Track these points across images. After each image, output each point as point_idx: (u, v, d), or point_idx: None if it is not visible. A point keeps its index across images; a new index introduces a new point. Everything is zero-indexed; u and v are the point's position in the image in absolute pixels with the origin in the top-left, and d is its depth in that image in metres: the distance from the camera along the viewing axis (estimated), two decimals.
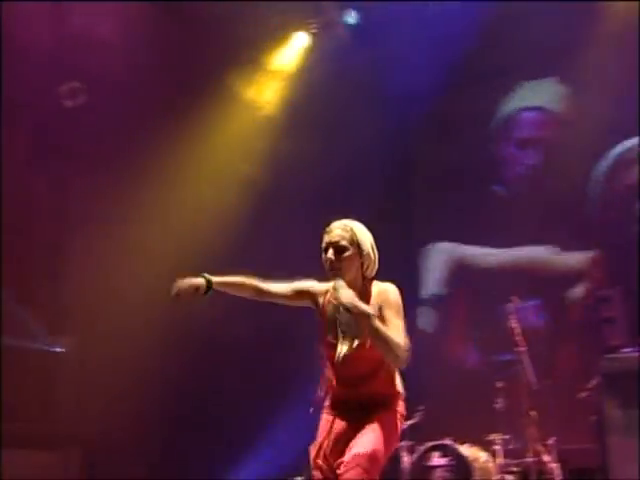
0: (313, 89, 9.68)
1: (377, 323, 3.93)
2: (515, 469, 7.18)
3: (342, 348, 4.13)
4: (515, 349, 7.13)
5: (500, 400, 7.24)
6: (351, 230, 4.22)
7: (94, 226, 10.08)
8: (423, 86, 9.43)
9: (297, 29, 9.98)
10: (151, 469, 9.57)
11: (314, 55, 9.95)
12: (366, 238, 4.22)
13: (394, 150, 10.06)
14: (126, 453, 9.72)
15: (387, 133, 9.95)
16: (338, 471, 4.10)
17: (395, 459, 7.68)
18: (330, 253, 4.14)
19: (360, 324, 3.99)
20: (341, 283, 4.06)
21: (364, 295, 4.12)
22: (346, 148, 9.55)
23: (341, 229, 4.21)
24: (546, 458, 7.03)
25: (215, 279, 4.24)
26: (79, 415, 9.85)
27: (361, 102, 9.80)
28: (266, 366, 9.88)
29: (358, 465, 4.00)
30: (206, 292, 4.24)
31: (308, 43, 9.93)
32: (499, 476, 7.13)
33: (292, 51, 9.99)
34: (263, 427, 9.31)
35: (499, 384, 7.27)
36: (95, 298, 9.89)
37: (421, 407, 7.59)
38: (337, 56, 9.68)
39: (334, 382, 4.30)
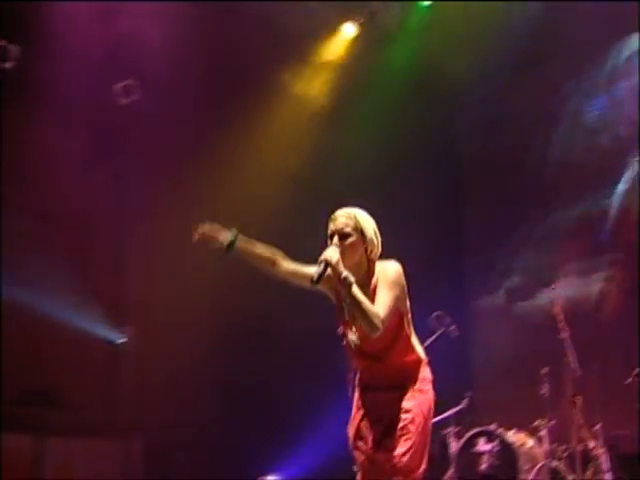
0: (360, 81, 9.77)
1: (353, 288, 4.12)
2: (561, 455, 7.20)
3: (354, 327, 4.35)
4: (559, 335, 7.15)
5: (546, 386, 7.25)
6: (354, 217, 4.41)
7: (154, 220, 10.37)
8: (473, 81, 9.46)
9: (344, 20, 10.07)
10: (211, 455, 9.82)
11: (361, 46, 10.03)
12: (369, 224, 4.42)
13: (440, 143, 10.07)
14: (186, 440, 10.01)
15: (434, 126, 9.99)
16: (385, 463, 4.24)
17: (443, 445, 7.81)
18: (335, 240, 4.33)
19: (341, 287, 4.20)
20: (334, 247, 4.25)
21: (368, 276, 4.35)
22: (393, 141, 9.61)
23: (345, 217, 4.41)
24: (592, 444, 7.04)
25: (241, 241, 4.37)
26: (140, 404, 10.17)
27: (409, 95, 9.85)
28: (318, 356, 10.03)
29: (403, 472, 4.18)
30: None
31: (355, 34, 9.99)
32: (545, 462, 7.16)
33: (340, 43, 10.06)
34: (316, 415, 9.46)
35: (544, 370, 7.28)
36: (156, 290, 10.18)
37: (468, 393, 7.68)
38: (383, 47, 9.73)
39: (357, 361, 4.45)
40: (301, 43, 10.04)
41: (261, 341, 10.30)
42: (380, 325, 4.12)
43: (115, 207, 10.71)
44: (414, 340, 4.44)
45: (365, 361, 4.42)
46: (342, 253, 4.31)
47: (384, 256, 4.48)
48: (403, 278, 4.33)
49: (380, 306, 4.17)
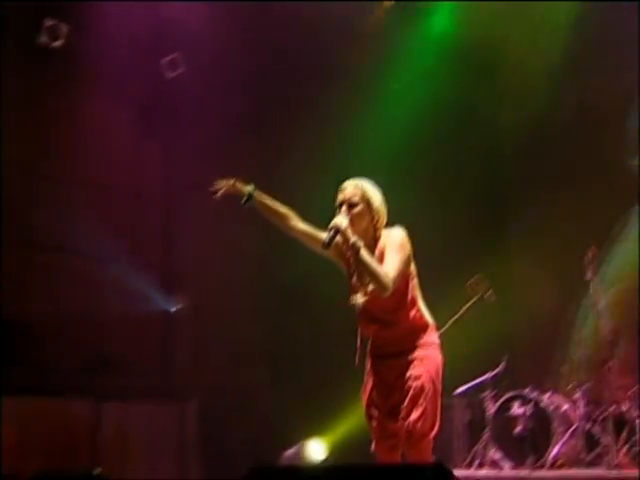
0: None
1: (362, 251, 4.35)
2: (596, 417, 7.27)
3: (361, 290, 4.54)
4: (592, 300, 7.19)
5: (580, 350, 7.30)
6: (362, 187, 4.61)
7: (202, 189, 10.60)
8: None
9: None
10: (262, 420, 10.07)
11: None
12: (375, 194, 4.62)
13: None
14: (239, 405, 10.28)
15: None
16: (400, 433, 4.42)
17: (480, 409, 7.93)
18: (344, 209, 4.53)
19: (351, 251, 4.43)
20: (343, 215, 4.48)
21: (374, 243, 4.54)
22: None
23: (353, 187, 4.61)
24: (625, 407, 7.09)
25: (259, 194, 4.62)
26: (195, 369, 10.49)
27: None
28: None
29: (416, 437, 4.36)
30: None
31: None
32: (579, 424, 7.24)
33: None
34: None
35: (578, 335, 7.34)
36: (207, 257, 10.47)
37: (505, 357, 7.77)
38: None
39: (366, 326, 4.62)
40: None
41: (310, 306, 10.48)
42: (390, 284, 4.33)
43: (165, 176, 11.03)
44: (421, 305, 4.60)
45: (374, 326, 4.59)
46: (350, 221, 4.51)
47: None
48: (409, 243, 4.52)
49: (389, 267, 4.37)
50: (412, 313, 4.54)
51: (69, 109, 9.68)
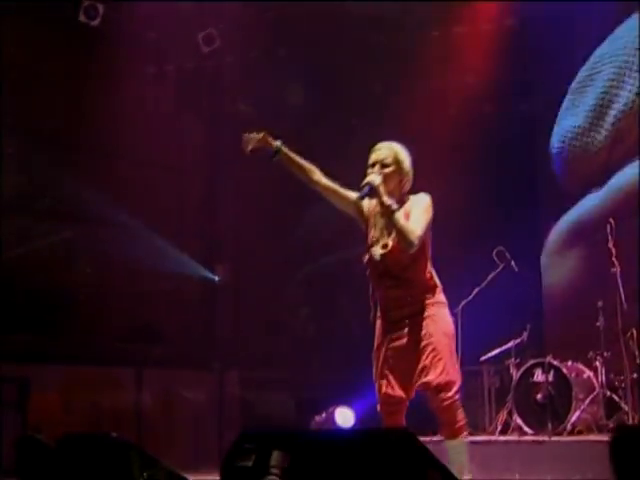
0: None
1: (393, 209, 4.57)
2: (616, 385, 7.36)
3: (381, 242, 4.72)
4: (611, 269, 7.26)
5: (601, 319, 7.38)
6: (395, 150, 4.81)
7: (242, 161, 10.82)
8: None
9: None
10: (298, 389, 10.31)
11: None
12: (407, 158, 4.81)
13: None
14: (278, 375, 10.53)
15: None
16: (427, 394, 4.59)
17: (509, 376, 8.05)
18: (376, 169, 4.71)
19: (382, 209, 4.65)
20: (376, 174, 4.68)
21: (400, 205, 4.67)
22: None
23: (386, 148, 4.81)
24: None
25: (286, 150, 4.80)
26: (235, 338, 10.77)
27: None
28: None
29: (443, 391, 4.53)
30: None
31: None
32: (599, 391, 7.34)
33: None
34: None
35: (600, 303, 7.41)
36: (248, 227, 10.70)
37: (528, 326, 7.89)
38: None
39: (379, 282, 4.77)
40: None
41: (350, 274, 10.65)
42: (416, 241, 4.56)
43: (205, 148, 11.27)
44: (431, 268, 4.78)
45: (387, 281, 4.73)
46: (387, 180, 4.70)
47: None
48: (432, 208, 4.72)
49: (416, 225, 4.59)
50: (424, 272, 4.73)
51: (109, 84, 9.96)
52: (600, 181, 8.94)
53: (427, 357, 4.58)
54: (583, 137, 9.16)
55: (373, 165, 4.73)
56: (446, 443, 4.63)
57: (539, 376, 7.54)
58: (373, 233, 4.76)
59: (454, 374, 4.62)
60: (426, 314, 4.66)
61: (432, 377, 4.55)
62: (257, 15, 9.98)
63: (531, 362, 7.65)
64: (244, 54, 10.50)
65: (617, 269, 7.18)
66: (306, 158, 4.89)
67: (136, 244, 9.98)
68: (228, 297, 11.00)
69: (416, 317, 4.66)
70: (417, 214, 4.64)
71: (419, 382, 4.60)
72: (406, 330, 4.67)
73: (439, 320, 4.69)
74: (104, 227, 10.02)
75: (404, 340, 4.67)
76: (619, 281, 7.16)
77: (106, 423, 9.09)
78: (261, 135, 4.78)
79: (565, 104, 9.36)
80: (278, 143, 4.79)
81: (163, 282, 10.34)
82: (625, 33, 8.91)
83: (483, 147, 9.28)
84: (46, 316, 9.23)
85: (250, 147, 4.79)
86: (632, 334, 7.22)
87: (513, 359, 7.86)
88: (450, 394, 4.55)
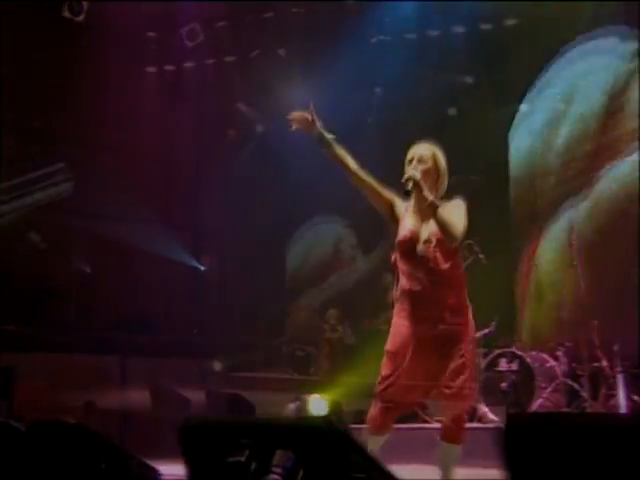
0: None
1: (436, 205, 4.61)
2: (578, 374, 7.61)
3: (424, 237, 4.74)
4: (572, 264, 7.51)
5: (565, 309, 7.63)
6: (433, 149, 4.88)
7: (228, 156, 11.08)
8: None
9: None
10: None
11: None
12: (443, 159, 4.88)
13: None
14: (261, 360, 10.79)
15: None
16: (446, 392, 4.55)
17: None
18: (414, 164, 4.79)
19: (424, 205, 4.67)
20: (414, 170, 4.71)
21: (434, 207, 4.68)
22: None
23: (425, 147, 4.88)
24: (605, 363, 7.42)
25: (328, 140, 4.80)
26: (220, 328, 11.02)
27: None
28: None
29: (465, 399, 4.59)
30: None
31: None
32: (561, 380, 7.60)
33: None
34: None
35: (564, 295, 7.66)
36: (234, 219, 10.95)
37: (495, 317, 8.13)
38: None
39: (412, 282, 4.68)
40: None
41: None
42: (460, 234, 4.61)
43: (193, 144, 11.51)
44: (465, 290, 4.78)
45: (422, 279, 4.64)
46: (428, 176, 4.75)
47: None
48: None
49: (459, 219, 4.63)
50: (459, 272, 4.77)
51: (98, 78, 10.20)
52: None
53: (454, 361, 4.56)
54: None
55: (410, 161, 4.79)
56: (446, 447, 4.70)
57: (504, 365, 7.78)
58: (406, 232, 4.74)
59: (474, 383, 4.71)
60: (458, 318, 4.64)
61: (457, 382, 4.53)
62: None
63: (496, 352, 7.90)
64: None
65: (577, 263, 7.42)
66: None
67: (123, 235, 10.19)
68: (214, 287, 11.24)
69: (448, 319, 4.62)
70: (457, 213, 4.68)
71: (441, 385, 4.57)
72: (436, 331, 4.60)
73: (469, 325, 4.70)
74: (90, 218, 10.25)
75: (432, 341, 4.61)
76: (580, 274, 7.41)
77: (92, 411, 9.32)
78: (310, 117, 4.79)
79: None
80: (321, 131, 4.79)
81: (150, 272, 10.58)
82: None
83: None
84: (31, 306, 9.47)
85: (294, 126, 4.82)
86: (593, 325, 7.46)
87: (480, 349, 8.09)
88: (468, 403, 4.69)
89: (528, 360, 7.71)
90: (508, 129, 9.74)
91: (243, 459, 3.06)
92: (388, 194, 4.85)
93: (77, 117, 10.21)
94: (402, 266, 4.72)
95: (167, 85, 11.07)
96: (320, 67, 9.86)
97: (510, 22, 9.71)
